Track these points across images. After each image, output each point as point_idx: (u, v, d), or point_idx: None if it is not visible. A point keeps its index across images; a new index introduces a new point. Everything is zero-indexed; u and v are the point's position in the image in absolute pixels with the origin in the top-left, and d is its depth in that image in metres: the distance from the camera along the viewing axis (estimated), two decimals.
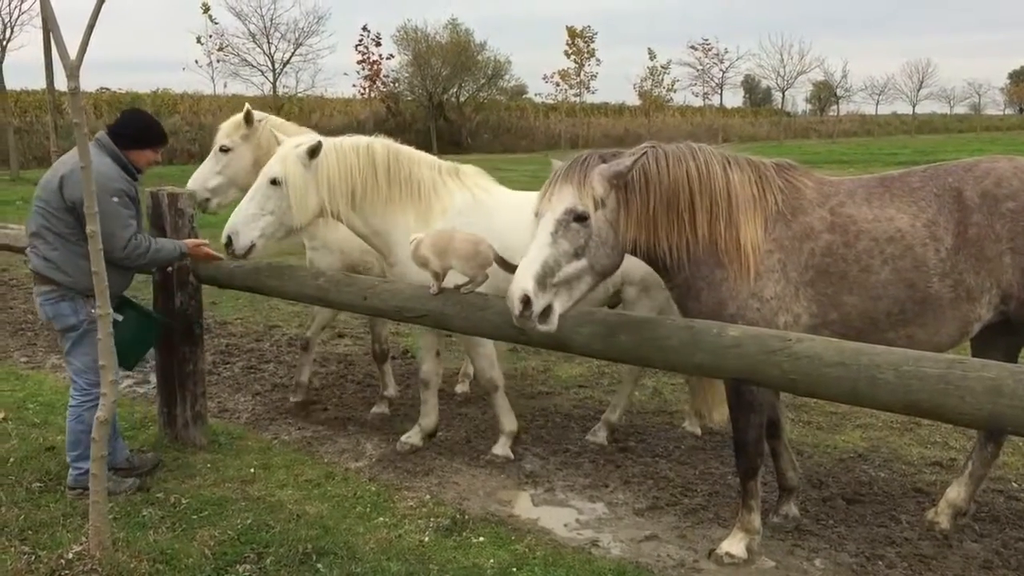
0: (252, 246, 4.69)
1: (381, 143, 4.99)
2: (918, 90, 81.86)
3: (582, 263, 3.49)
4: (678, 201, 3.65)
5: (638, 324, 3.50)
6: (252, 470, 5.05)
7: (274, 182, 4.69)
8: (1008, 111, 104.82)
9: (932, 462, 5.23)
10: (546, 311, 3.38)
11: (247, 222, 4.68)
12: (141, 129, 4.72)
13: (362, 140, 4.96)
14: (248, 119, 5.77)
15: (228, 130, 5.83)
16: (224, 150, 5.80)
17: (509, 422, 5.39)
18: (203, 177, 5.83)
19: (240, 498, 4.66)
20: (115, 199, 4.44)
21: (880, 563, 4.04)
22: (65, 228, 4.48)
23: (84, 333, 4.55)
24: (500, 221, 4.97)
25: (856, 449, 5.44)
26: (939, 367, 2.83)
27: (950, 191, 3.78)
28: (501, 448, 5.35)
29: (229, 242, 4.68)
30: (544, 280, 3.37)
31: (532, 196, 5.29)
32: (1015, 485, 4.84)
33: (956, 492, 4.32)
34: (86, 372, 4.59)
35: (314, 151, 4.72)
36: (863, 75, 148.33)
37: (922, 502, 4.67)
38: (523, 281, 3.33)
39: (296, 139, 4.87)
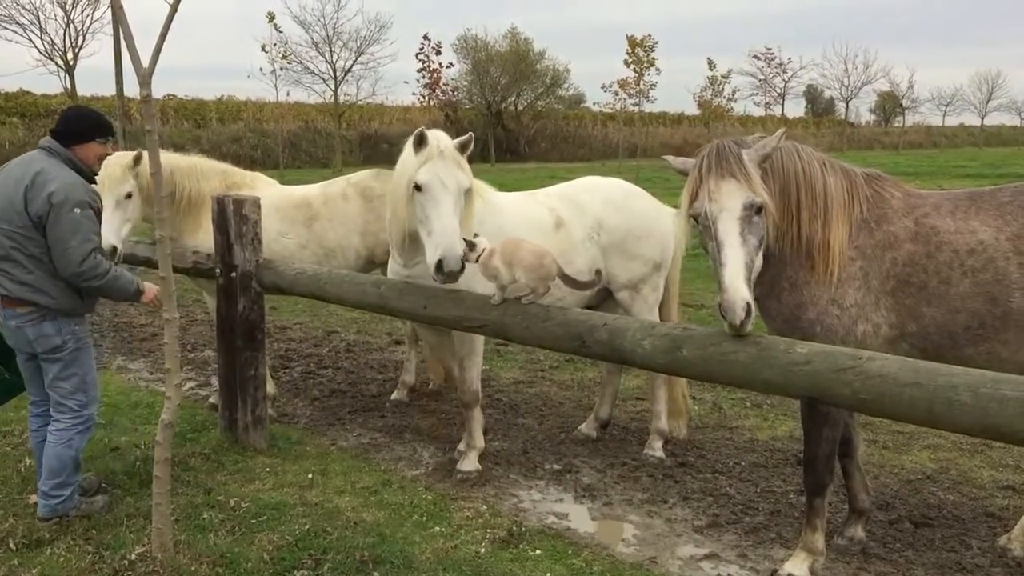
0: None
1: None
2: (987, 101, 79.87)
3: (761, 255, 3.49)
4: (789, 195, 3.63)
5: (703, 338, 3.43)
6: (310, 475, 5.08)
7: (469, 190, 4.40)
8: None
9: (1004, 486, 5.05)
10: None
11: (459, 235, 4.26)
12: (80, 121, 4.45)
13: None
14: (138, 160, 5.63)
15: (121, 175, 5.61)
16: (129, 196, 5.67)
17: (480, 438, 5.28)
18: (115, 228, 5.56)
19: (298, 503, 4.69)
20: (77, 210, 4.20)
21: None
22: (36, 248, 4.22)
23: (72, 353, 4.38)
24: (509, 221, 4.97)
25: (924, 470, 5.28)
26: (1020, 390, 2.71)
27: None
28: (470, 463, 5.20)
29: (462, 270, 4.16)
30: (749, 281, 3.33)
31: (527, 196, 5.31)
32: None
33: None
34: (75, 393, 4.41)
35: (467, 147, 4.44)
36: (930, 86, 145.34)
37: (993, 527, 4.51)
38: (741, 290, 3.23)
39: (441, 137, 4.46)
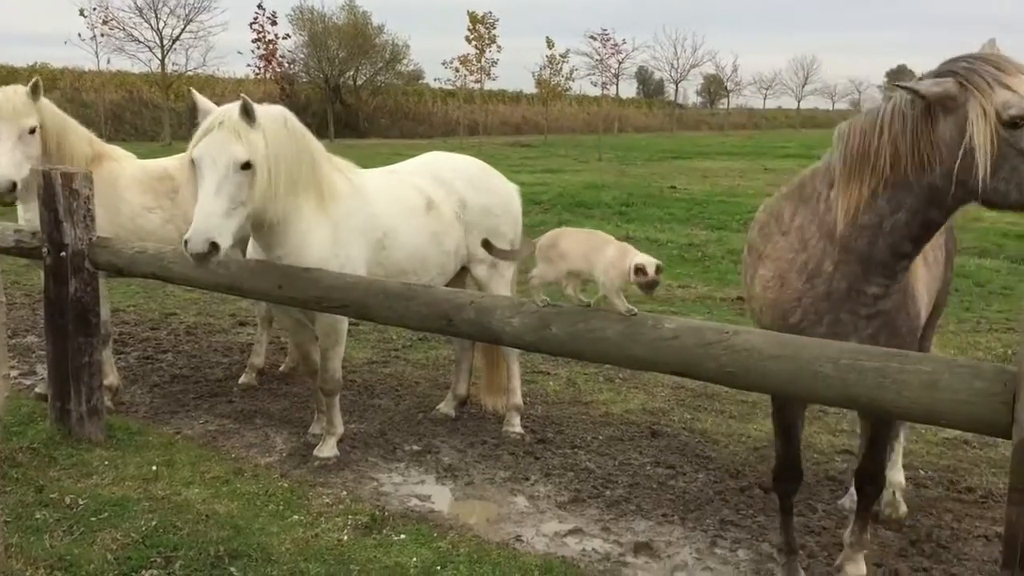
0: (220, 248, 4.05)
1: (294, 116, 4.55)
2: (803, 85, 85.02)
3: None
4: None
5: (572, 315, 3.42)
6: (154, 467, 4.77)
7: (247, 166, 4.08)
8: None
9: (841, 449, 5.34)
10: None
11: (224, 219, 4.02)
12: None
13: (285, 112, 4.48)
14: (36, 90, 5.29)
15: (23, 106, 5.22)
16: (33, 132, 5.27)
17: (340, 424, 5.14)
18: (17, 161, 5.16)
19: (143, 498, 4.39)
20: None
21: (801, 552, 4.08)
22: None
23: None
24: (379, 206, 4.85)
25: (769, 438, 5.49)
26: (877, 360, 2.83)
27: None
28: (329, 449, 5.06)
29: (209, 251, 3.95)
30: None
31: (393, 176, 5.21)
32: (922, 473, 4.98)
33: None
34: None
35: (250, 112, 4.12)
36: (752, 70, 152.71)
37: (835, 490, 4.76)
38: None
39: (226, 109, 4.21)
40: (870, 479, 3.77)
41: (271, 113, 4.35)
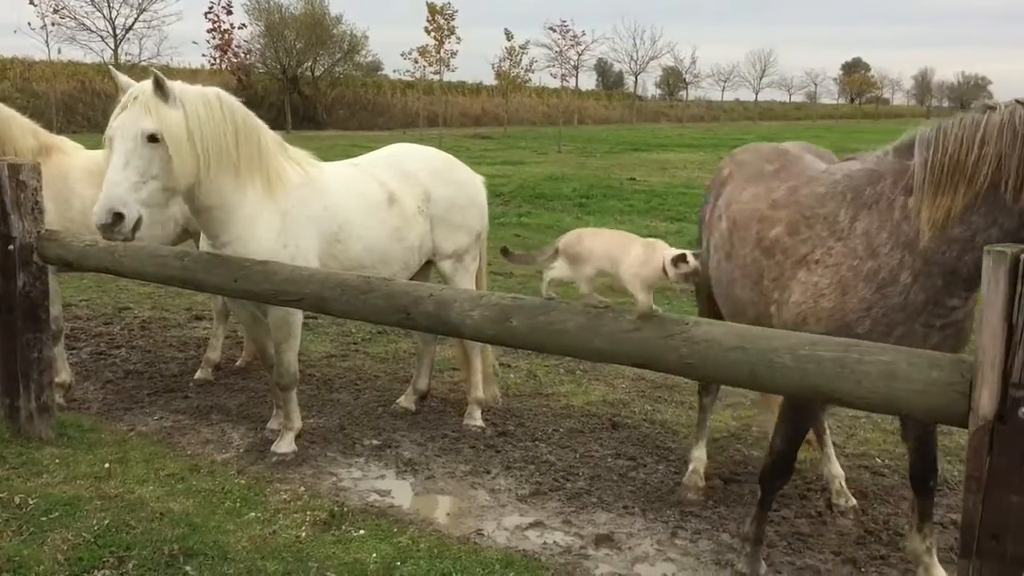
0: (140, 219, 4.06)
1: (232, 96, 4.47)
2: (760, 78, 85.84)
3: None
4: None
5: (533, 308, 3.38)
6: (107, 465, 4.67)
7: (153, 139, 4.06)
8: (841, 100, 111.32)
9: None
10: None
11: (131, 192, 4.01)
12: None
13: (219, 91, 4.41)
14: None
15: None
16: None
17: (298, 419, 5.08)
18: None
19: (95, 496, 4.30)
20: None
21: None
22: None
23: None
24: (336, 198, 4.79)
25: (728, 428, 5.54)
26: (834, 351, 2.84)
27: None
28: (287, 445, 4.99)
29: (113, 221, 3.97)
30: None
31: (354, 169, 5.14)
32: (879, 461, 5.04)
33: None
34: None
35: (163, 87, 4.08)
36: (711, 62, 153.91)
37: (793, 480, 4.77)
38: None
39: (141, 86, 4.18)
40: (923, 479, 3.75)
41: (196, 90, 4.31)
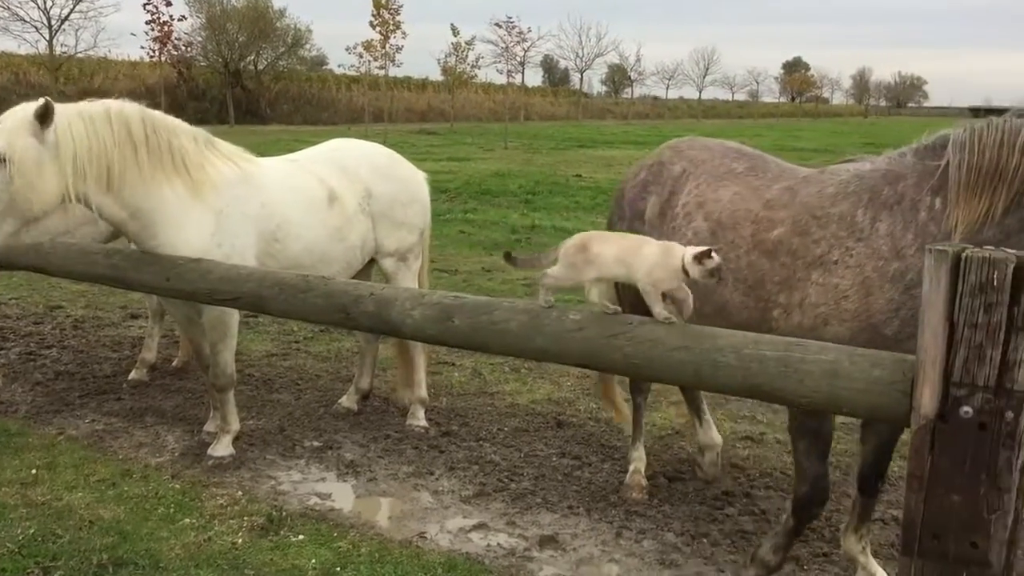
0: None
1: (133, 107, 4.24)
2: (704, 76, 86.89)
3: None
4: None
5: (474, 307, 3.31)
6: (34, 471, 4.51)
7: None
8: (782, 99, 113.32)
9: (743, 436, 5.39)
10: None
11: None
12: None
13: (111, 105, 4.18)
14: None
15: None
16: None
17: (235, 421, 4.95)
18: None
19: (20, 504, 4.14)
20: None
21: (704, 541, 4.10)
22: None
23: None
24: (274, 195, 4.66)
25: (673, 426, 5.53)
26: (778, 350, 2.82)
27: None
28: (224, 448, 4.86)
29: None
30: None
31: (292, 165, 5.02)
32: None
33: None
34: None
35: (44, 116, 3.84)
36: (655, 60, 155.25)
37: (737, 476, 4.80)
38: None
39: (22, 106, 3.98)
40: (871, 481, 3.72)
41: (76, 108, 4.06)
